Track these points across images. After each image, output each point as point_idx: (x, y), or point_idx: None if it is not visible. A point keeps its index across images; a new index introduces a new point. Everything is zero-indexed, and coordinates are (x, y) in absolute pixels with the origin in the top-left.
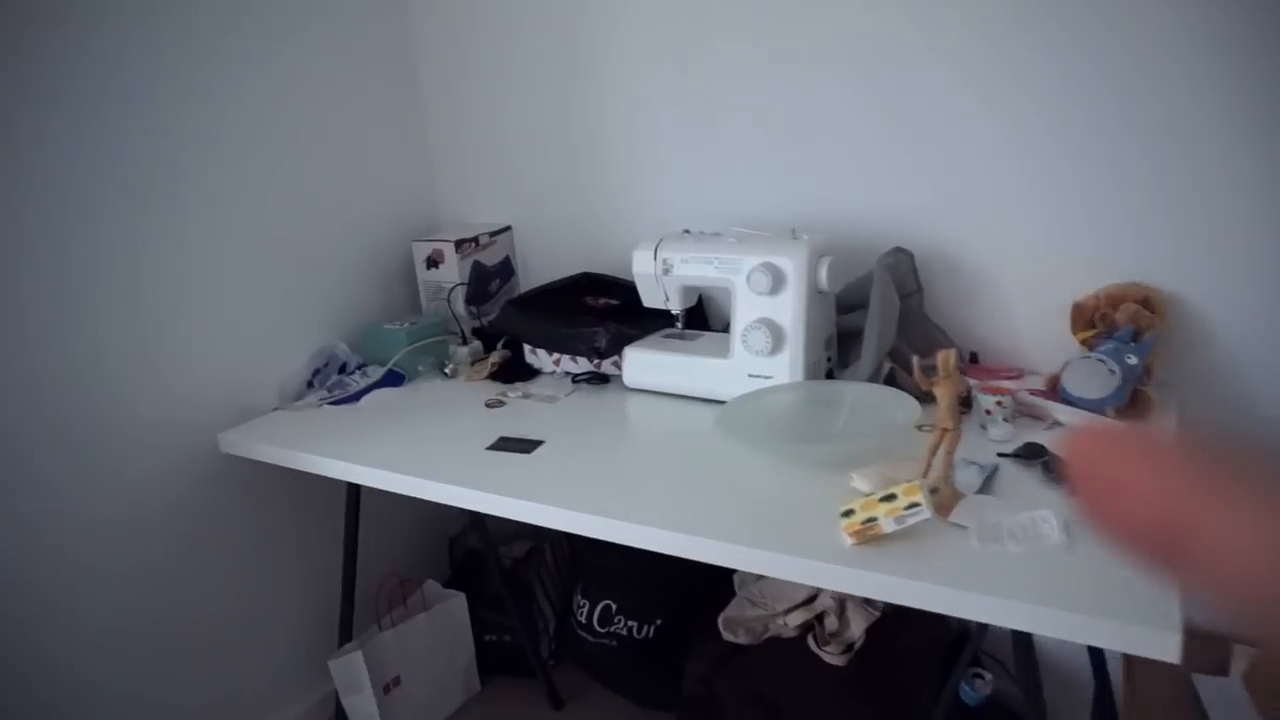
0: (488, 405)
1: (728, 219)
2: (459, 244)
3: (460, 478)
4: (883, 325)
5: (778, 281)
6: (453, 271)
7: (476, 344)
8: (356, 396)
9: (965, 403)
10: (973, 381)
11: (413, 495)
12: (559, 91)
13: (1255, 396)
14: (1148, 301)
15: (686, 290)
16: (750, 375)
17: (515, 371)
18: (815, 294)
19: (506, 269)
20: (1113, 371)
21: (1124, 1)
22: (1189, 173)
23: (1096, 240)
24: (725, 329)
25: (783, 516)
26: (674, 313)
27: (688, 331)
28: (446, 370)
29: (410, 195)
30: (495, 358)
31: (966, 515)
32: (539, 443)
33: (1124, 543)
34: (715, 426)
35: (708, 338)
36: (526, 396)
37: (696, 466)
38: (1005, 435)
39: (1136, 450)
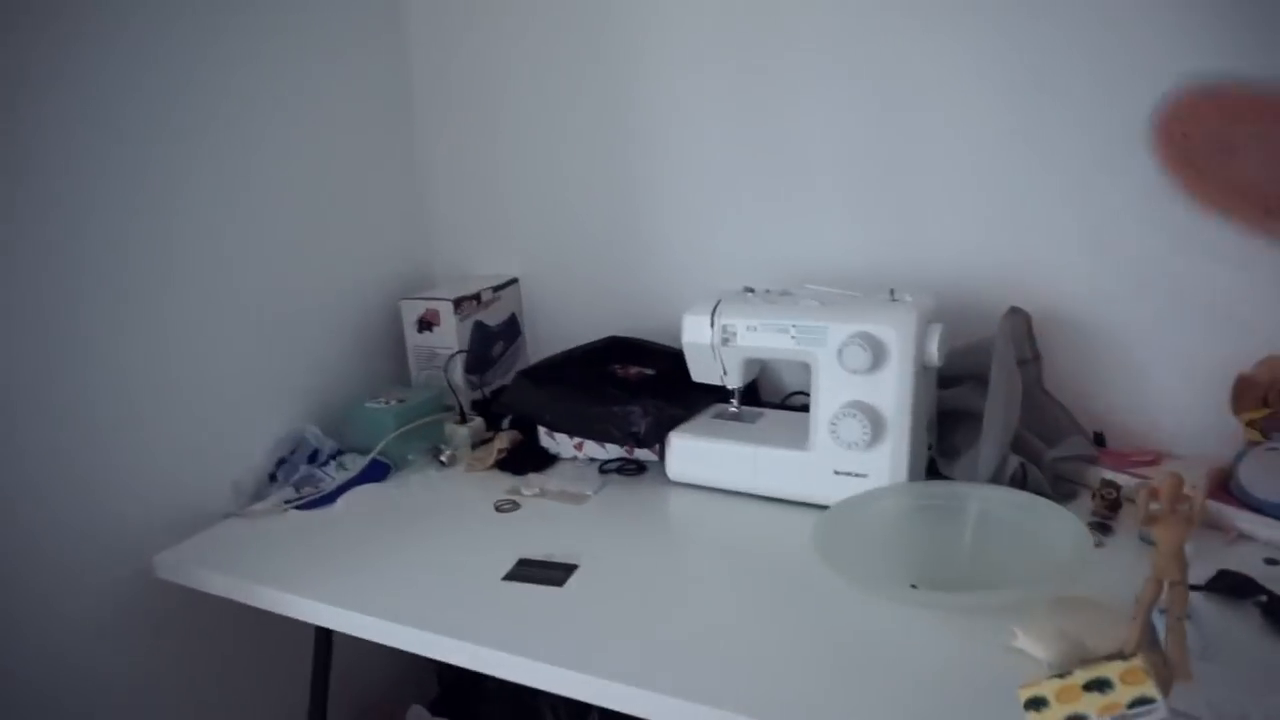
0: (498, 508)
1: (794, 274)
2: (458, 302)
3: (473, 628)
4: (1007, 408)
5: (878, 356)
6: (450, 335)
7: (478, 422)
8: (332, 496)
9: (1112, 506)
10: (1117, 476)
11: (409, 649)
12: (580, 118)
13: None
14: None
15: (749, 364)
16: (838, 473)
17: (527, 459)
18: (922, 370)
19: (512, 329)
20: None
21: None
22: None
23: (1253, 301)
24: (786, 402)
25: (926, 698)
26: (730, 389)
27: (745, 409)
28: (443, 458)
29: (397, 243)
30: (502, 441)
31: (1195, 700)
32: (571, 567)
33: None
34: (813, 550)
35: (771, 418)
36: (544, 494)
37: (787, 605)
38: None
39: None
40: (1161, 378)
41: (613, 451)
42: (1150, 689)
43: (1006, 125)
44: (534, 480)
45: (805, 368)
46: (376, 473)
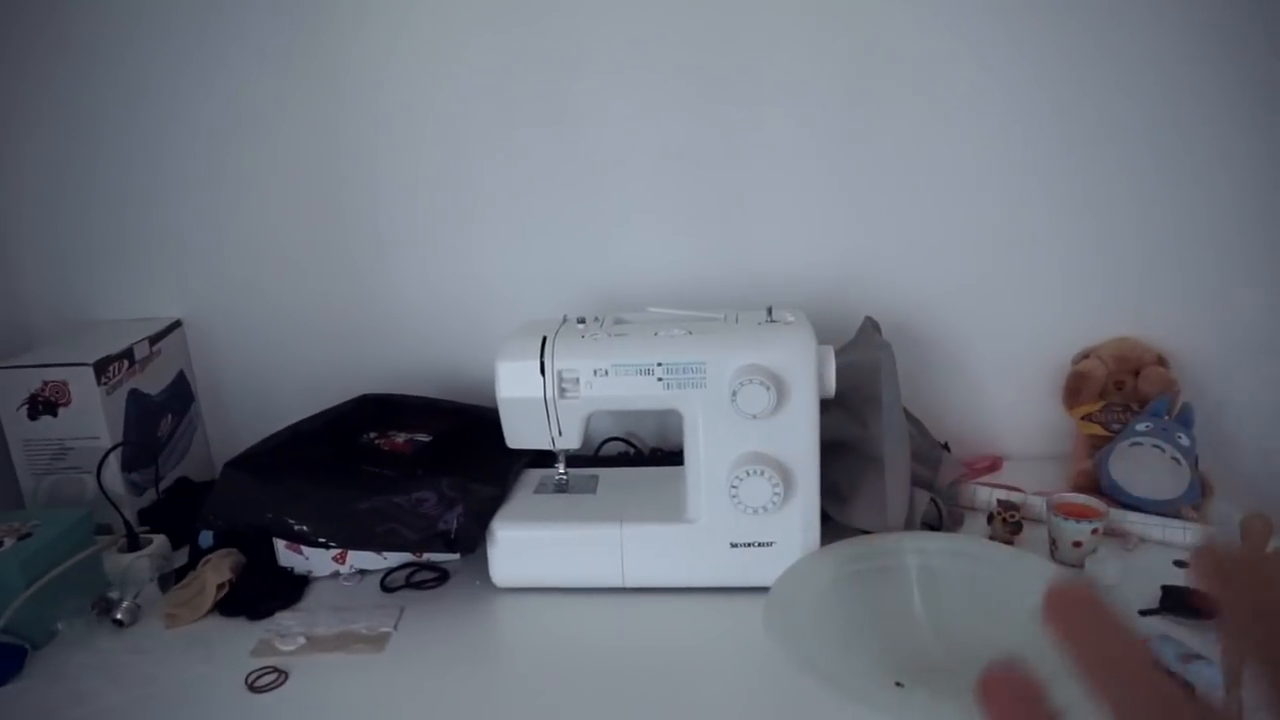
0: (254, 686)
1: (600, 300)
2: (101, 365)
3: None
4: (904, 439)
5: (781, 395)
6: (92, 417)
7: (159, 543)
8: None
9: (1015, 529)
10: (1029, 497)
11: None
12: (266, 79)
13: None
14: (1162, 363)
15: (601, 419)
16: (735, 545)
17: (264, 590)
18: (820, 405)
19: (181, 395)
20: (1176, 460)
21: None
22: (1174, 216)
23: (1075, 295)
24: (599, 454)
25: None
26: (559, 452)
27: (574, 474)
28: (119, 615)
29: None
30: (219, 570)
31: None
32: None
33: None
34: (781, 650)
35: (609, 482)
36: (315, 644)
37: None
38: (1115, 577)
39: None
40: (992, 379)
41: (393, 558)
42: None
43: (839, 121)
44: (289, 624)
45: (665, 414)
46: (1, 667)
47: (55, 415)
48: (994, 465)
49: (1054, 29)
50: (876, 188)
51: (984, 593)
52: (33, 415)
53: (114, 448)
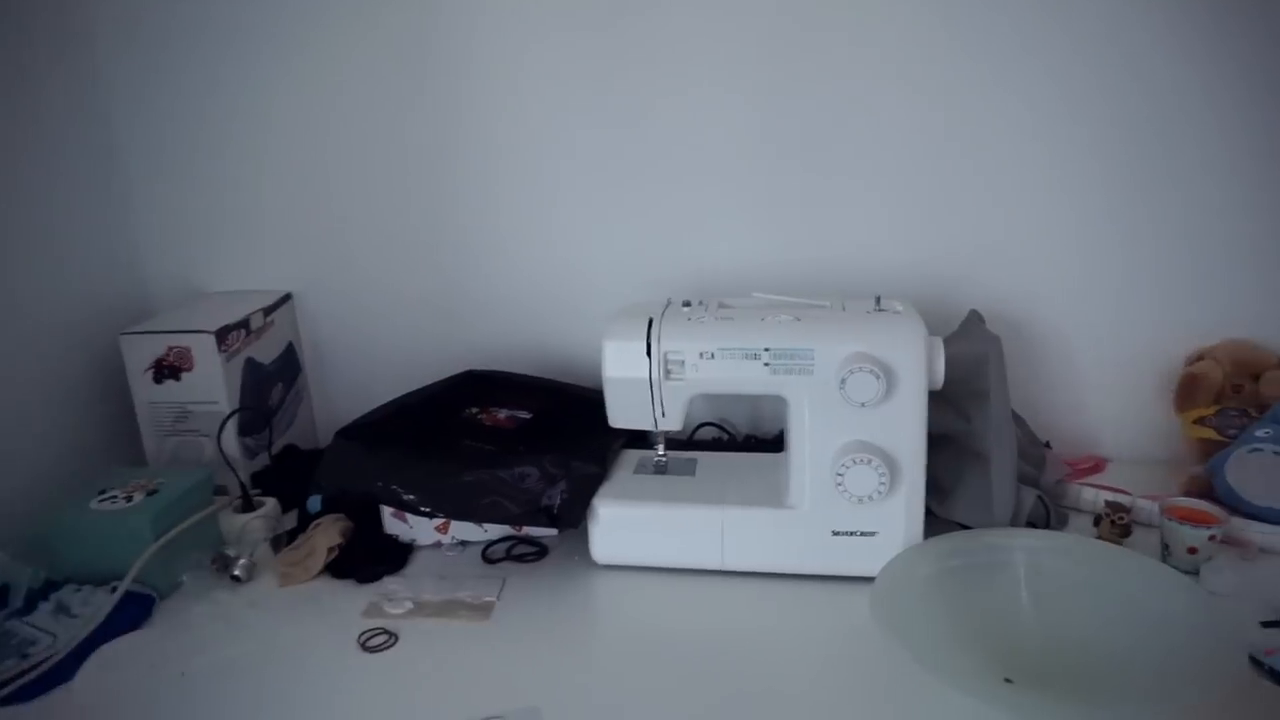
0: (366, 645)
1: (696, 284)
2: (222, 333)
3: None
4: (1008, 433)
5: (890, 384)
6: (212, 382)
7: (271, 505)
8: (65, 669)
9: (1124, 532)
10: (1138, 500)
11: None
12: (383, 77)
13: None
14: None
15: (696, 403)
16: (837, 533)
17: (371, 555)
18: (927, 398)
19: (290, 366)
20: None
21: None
22: None
23: (1185, 294)
24: (693, 439)
25: None
26: (658, 433)
27: (673, 457)
28: (236, 571)
29: (88, 251)
30: (329, 534)
31: None
32: None
33: None
34: (892, 640)
35: (709, 466)
36: (423, 609)
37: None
38: (1233, 587)
39: None
40: (1099, 378)
41: (492, 531)
42: None
43: (942, 110)
44: (395, 589)
45: (760, 401)
46: (132, 614)
47: (178, 380)
48: (1097, 466)
49: (1162, 26)
50: (982, 179)
51: (1095, 594)
52: (158, 379)
53: (233, 413)
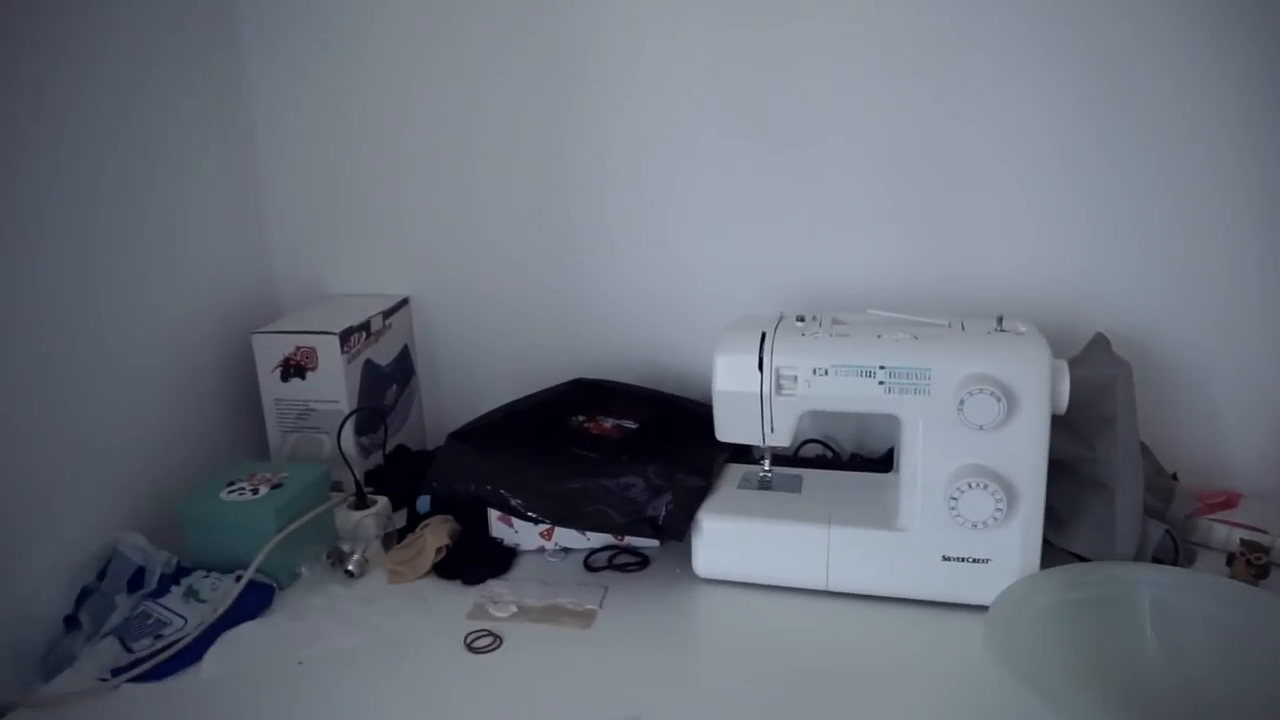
0: (472, 646)
1: (815, 298)
2: (345, 335)
3: None
4: (1138, 464)
5: (1011, 407)
6: (334, 382)
7: (383, 504)
8: (194, 651)
9: (1262, 573)
10: (1256, 535)
11: None
12: (507, 84)
13: None
14: None
15: (805, 420)
16: (948, 559)
17: (476, 557)
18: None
19: (405, 368)
20: None
21: None
22: None
23: None
24: (798, 455)
25: None
26: (764, 449)
27: (779, 473)
28: (350, 566)
29: (225, 252)
30: (438, 534)
31: None
32: None
33: None
34: (1010, 675)
35: (815, 484)
36: (526, 613)
37: None
38: None
39: None
40: (1235, 409)
41: (595, 539)
42: None
43: (1073, 127)
44: (500, 592)
45: (868, 419)
46: (255, 602)
47: (303, 378)
48: (1229, 502)
49: None
50: (1112, 197)
51: (1227, 636)
52: (284, 377)
53: (354, 412)
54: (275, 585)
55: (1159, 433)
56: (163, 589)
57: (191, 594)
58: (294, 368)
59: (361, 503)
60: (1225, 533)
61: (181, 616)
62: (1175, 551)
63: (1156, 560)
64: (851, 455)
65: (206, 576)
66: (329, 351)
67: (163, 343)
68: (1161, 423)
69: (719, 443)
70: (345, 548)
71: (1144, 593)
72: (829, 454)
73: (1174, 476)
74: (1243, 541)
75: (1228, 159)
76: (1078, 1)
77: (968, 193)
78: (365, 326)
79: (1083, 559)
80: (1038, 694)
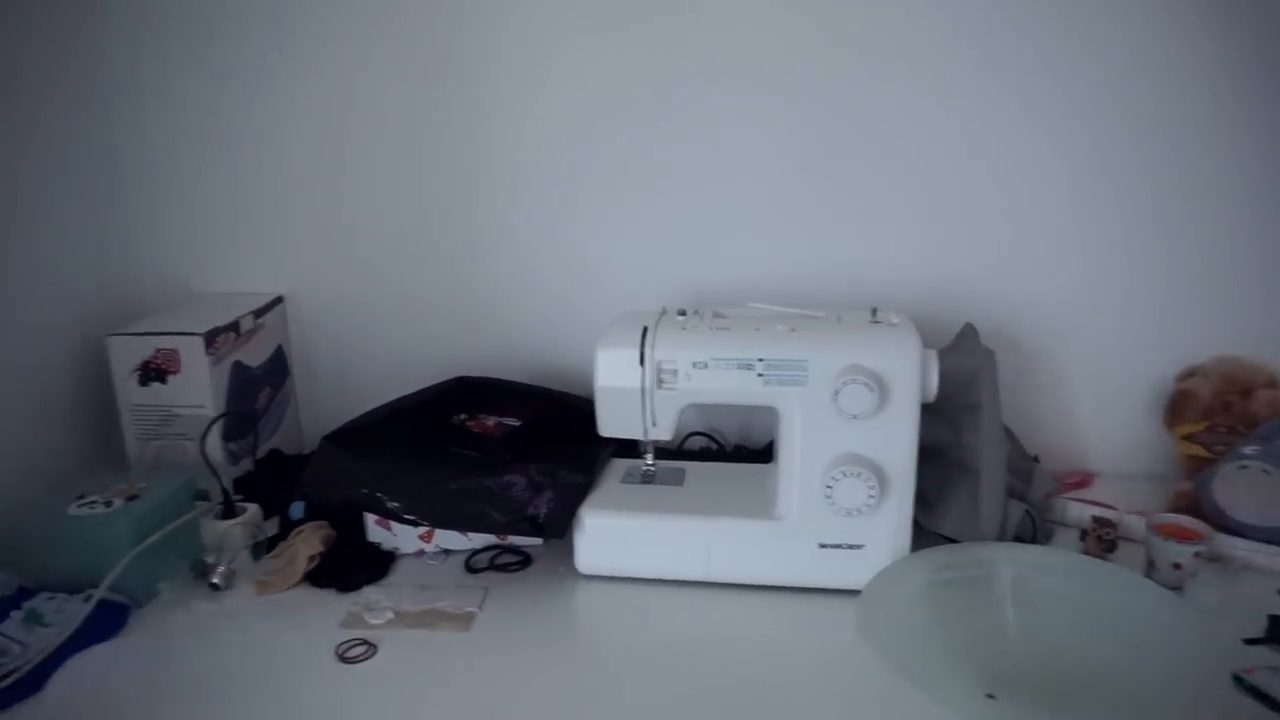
0: (344, 657)
1: (702, 294)
2: (211, 336)
3: None
4: (1000, 447)
5: (884, 397)
6: (199, 386)
7: (253, 511)
8: (35, 679)
9: (1110, 547)
10: (1125, 515)
11: None
12: (385, 73)
13: None
14: (1274, 384)
15: (687, 413)
16: (824, 546)
17: (352, 563)
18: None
19: (278, 370)
20: None
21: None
22: None
23: (1178, 311)
24: (682, 448)
25: None
26: (647, 443)
27: (662, 466)
28: (214, 579)
29: (80, 248)
30: (311, 541)
31: None
32: None
33: None
34: (876, 652)
35: (698, 476)
36: (403, 619)
37: None
38: (1214, 602)
39: None
40: (1091, 395)
41: (476, 539)
42: None
43: (947, 127)
44: (376, 598)
45: (751, 411)
46: (107, 623)
47: (164, 383)
48: (1084, 481)
49: (1168, 51)
50: (981, 194)
51: (1080, 609)
52: (143, 381)
53: (219, 417)
54: (131, 604)
55: (1023, 417)
56: (1, 614)
57: (34, 618)
58: (154, 371)
59: (229, 512)
60: (1079, 511)
61: (20, 643)
62: (1034, 530)
63: (1018, 539)
64: (736, 447)
65: (52, 598)
66: (193, 353)
67: (6, 346)
68: (1025, 408)
69: (603, 438)
70: (210, 560)
71: (1005, 571)
72: (714, 446)
73: (1035, 459)
74: (1094, 518)
75: (1082, 156)
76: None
77: (847, 190)
78: (234, 327)
79: (952, 541)
80: (903, 673)
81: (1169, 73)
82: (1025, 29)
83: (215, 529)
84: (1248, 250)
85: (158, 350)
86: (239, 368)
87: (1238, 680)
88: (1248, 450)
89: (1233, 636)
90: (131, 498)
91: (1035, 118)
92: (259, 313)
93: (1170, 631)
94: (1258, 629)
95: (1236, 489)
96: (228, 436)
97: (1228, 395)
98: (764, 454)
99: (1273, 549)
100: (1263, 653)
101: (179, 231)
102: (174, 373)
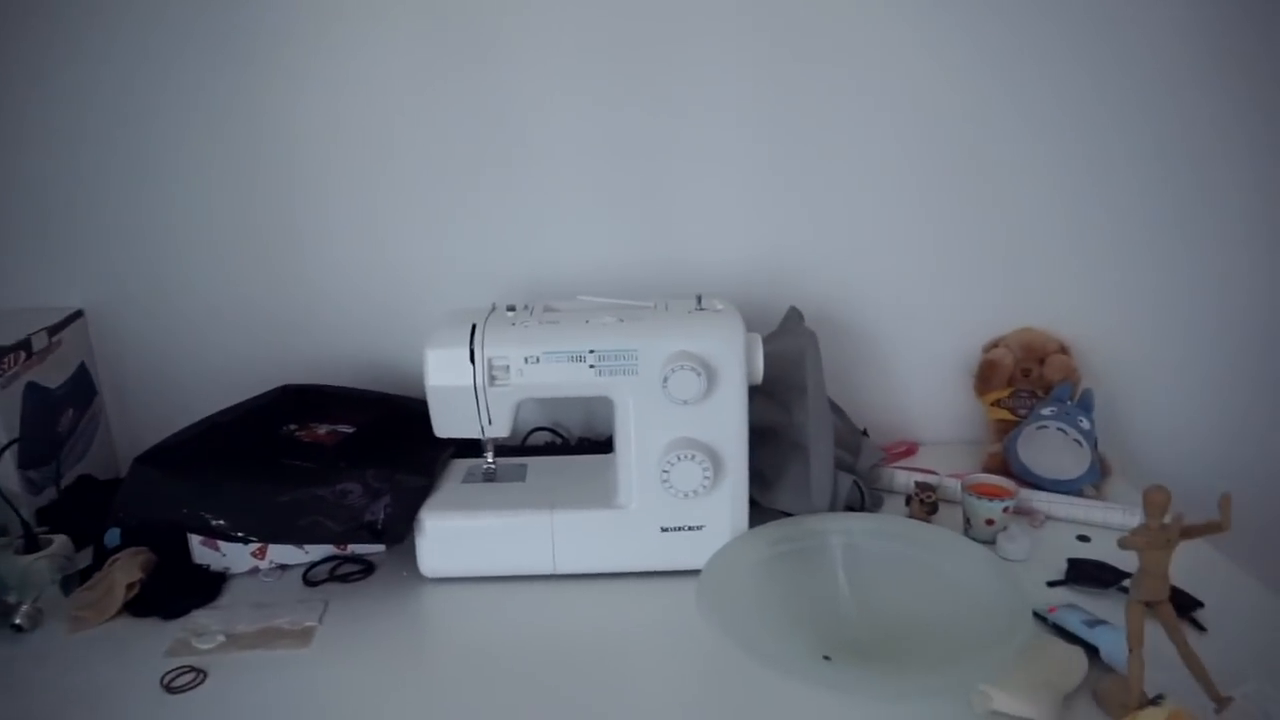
0: (170, 687)
1: (529, 288)
2: None
3: None
4: (827, 424)
5: (712, 381)
6: None
7: (60, 543)
8: None
9: (932, 510)
10: (944, 479)
11: None
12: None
13: (1167, 443)
14: (1064, 351)
15: (527, 408)
16: (666, 529)
17: (178, 589)
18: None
19: (83, 389)
20: (1078, 442)
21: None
22: (1075, 212)
23: (985, 287)
24: (525, 444)
25: None
26: (487, 441)
27: (502, 463)
28: (18, 619)
29: None
30: (128, 569)
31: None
32: None
33: None
34: (715, 627)
35: (538, 470)
36: (235, 641)
37: (681, 712)
38: (1025, 552)
39: None
40: (911, 368)
41: (315, 551)
42: None
43: (763, 115)
44: (205, 622)
45: (593, 404)
46: None
47: None
48: (910, 450)
49: (977, 29)
50: (799, 182)
51: (904, 569)
52: None
53: (10, 444)
54: None
55: (851, 394)
56: None
57: None
58: None
59: (32, 545)
60: (905, 478)
61: None
62: (863, 499)
63: (849, 509)
64: (580, 439)
65: None
66: None
67: None
68: (852, 385)
69: (441, 440)
70: (12, 599)
71: (835, 540)
72: (557, 440)
73: (864, 432)
74: (916, 484)
75: (888, 143)
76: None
77: (671, 182)
78: (25, 345)
79: (787, 515)
80: (740, 645)
81: (965, 58)
82: (827, 12)
83: (16, 565)
84: (1042, 231)
85: None
86: (34, 389)
87: (1040, 619)
88: (1045, 412)
89: (1038, 581)
90: None
91: (844, 106)
92: (54, 329)
93: (984, 582)
94: (1058, 573)
95: (1036, 448)
96: (24, 464)
97: (1026, 363)
98: (608, 445)
99: (1070, 499)
100: (1065, 593)
101: None
102: None
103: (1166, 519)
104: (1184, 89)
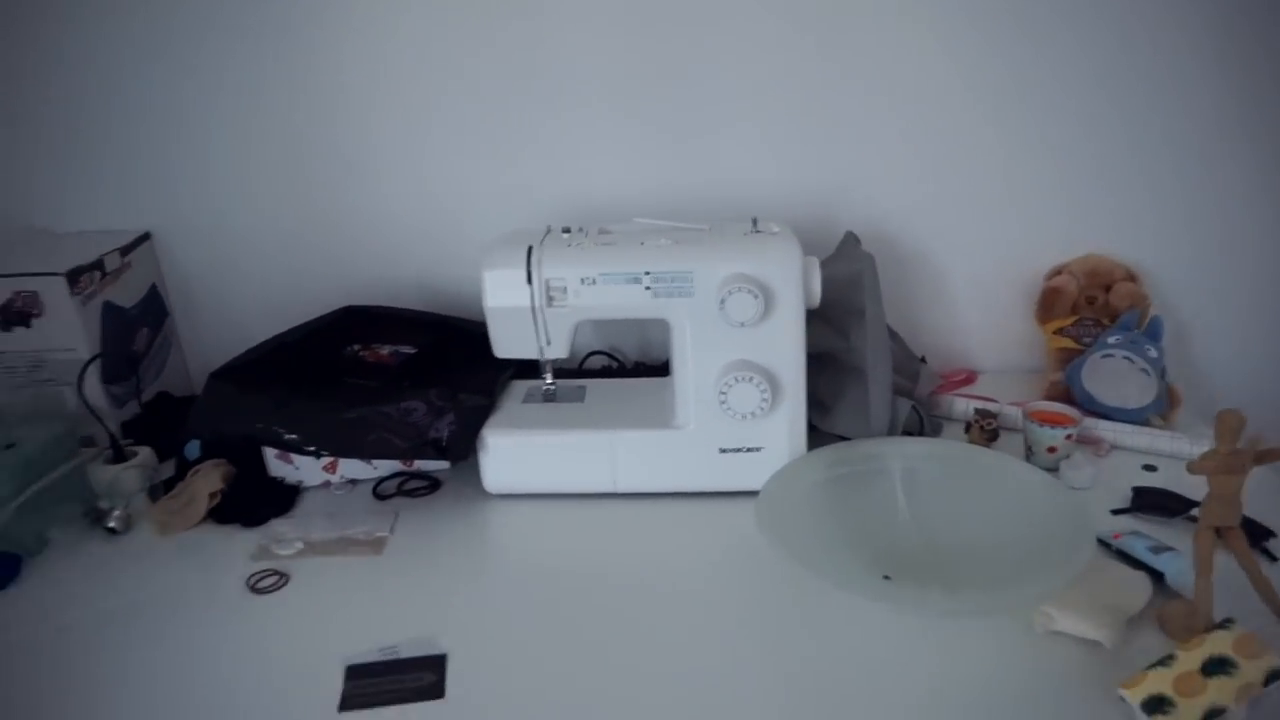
0: (255, 587)
1: (584, 211)
2: (73, 275)
3: None
4: (885, 349)
5: (769, 304)
6: (69, 328)
7: (145, 454)
8: None
9: (992, 437)
10: (1005, 407)
11: None
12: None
13: (1237, 374)
14: (1132, 278)
15: (584, 331)
16: (724, 450)
17: (256, 499)
18: (805, 316)
19: (155, 309)
20: (1145, 371)
21: None
22: (1144, 135)
23: (1046, 212)
24: (583, 367)
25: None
26: (546, 363)
27: (562, 384)
28: (111, 523)
29: None
30: (210, 479)
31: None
32: (437, 660)
33: None
34: (778, 548)
35: (598, 392)
36: (313, 549)
37: (740, 629)
38: (1089, 480)
39: None
40: (970, 297)
41: (383, 467)
42: (1276, 657)
43: (820, 36)
44: (284, 531)
45: (648, 327)
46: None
47: (28, 326)
48: (969, 378)
49: None
50: (856, 104)
51: (964, 493)
52: (5, 327)
53: (93, 359)
54: (22, 554)
55: (909, 320)
56: None
57: None
58: (16, 315)
59: (119, 456)
60: (964, 405)
61: None
62: (921, 425)
63: (907, 433)
64: (636, 363)
65: None
66: (56, 294)
67: None
68: (911, 311)
69: (501, 360)
70: (104, 505)
71: (895, 464)
72: (614, 364)
73: (922, 359)
74: (976, 411)
75: (951, 68)
76: None
77: (721, 102)
78: (99, 265)
79: (846, 439)
80: (802, 561)
81: None
82: None
83: (105, 474)
84: (1108, 154)
85: (16, 292)
86: (110, 308)
87: (1104, 545)
88: (1111, 340)
89: (1102, 509)
90: (7, 447)
91: (906, 24)
92: (125, 250)
93: (1047, 509)
94: (1123, 500)
95: (1101, 376)
96: (107, 379)
97: (1091, 290)
98: (663, 369)
99: (1136, 428)
100: (1130, 521)
101: (26, 166)
102: (37, 315)
103: (1240, 444)
104: (1267, 6)
